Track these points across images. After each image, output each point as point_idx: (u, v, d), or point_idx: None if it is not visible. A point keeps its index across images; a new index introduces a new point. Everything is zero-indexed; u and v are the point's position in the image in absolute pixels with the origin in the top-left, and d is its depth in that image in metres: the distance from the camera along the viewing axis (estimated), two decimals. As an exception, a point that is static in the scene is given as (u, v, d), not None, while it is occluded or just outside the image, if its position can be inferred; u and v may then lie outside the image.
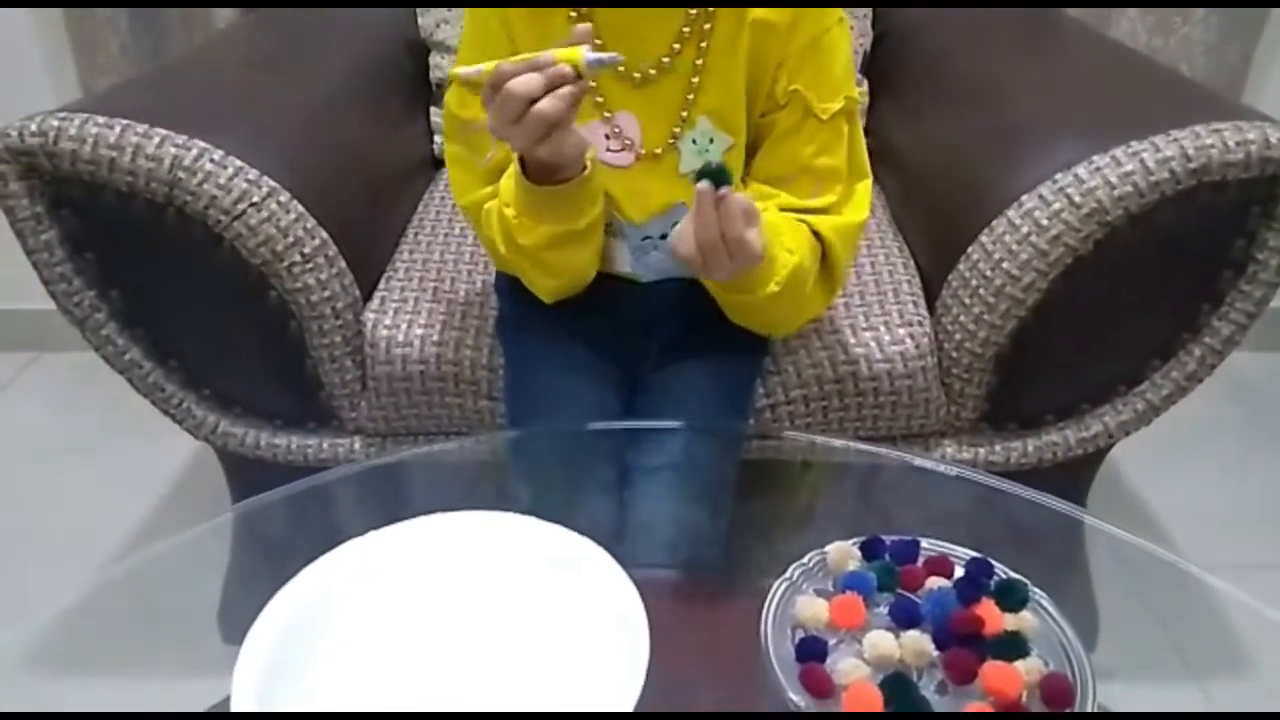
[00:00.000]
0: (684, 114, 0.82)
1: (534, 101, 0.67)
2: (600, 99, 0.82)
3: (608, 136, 0.83)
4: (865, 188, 0.86)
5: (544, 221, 0.79)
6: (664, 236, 0.86)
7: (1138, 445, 1.14)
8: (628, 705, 0.55)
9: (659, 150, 0.83)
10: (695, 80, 0.80)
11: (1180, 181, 0.88)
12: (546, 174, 0.76)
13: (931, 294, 1.02)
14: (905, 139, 1.26)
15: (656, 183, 0.85)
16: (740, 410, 0.95)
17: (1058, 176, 0.92)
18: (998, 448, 1.04)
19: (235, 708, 0.56)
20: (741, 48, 0.80)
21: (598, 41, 0.75)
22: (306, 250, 0.95)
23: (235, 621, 0.63)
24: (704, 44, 0.80)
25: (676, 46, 0.80)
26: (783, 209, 0.83)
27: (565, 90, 0.67)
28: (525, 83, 0.66)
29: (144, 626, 0.97)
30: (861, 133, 0.86)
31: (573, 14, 0.79)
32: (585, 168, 0.76)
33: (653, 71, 0.81)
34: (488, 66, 0.68)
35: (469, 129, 0.83)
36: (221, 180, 0.91)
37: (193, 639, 0.97)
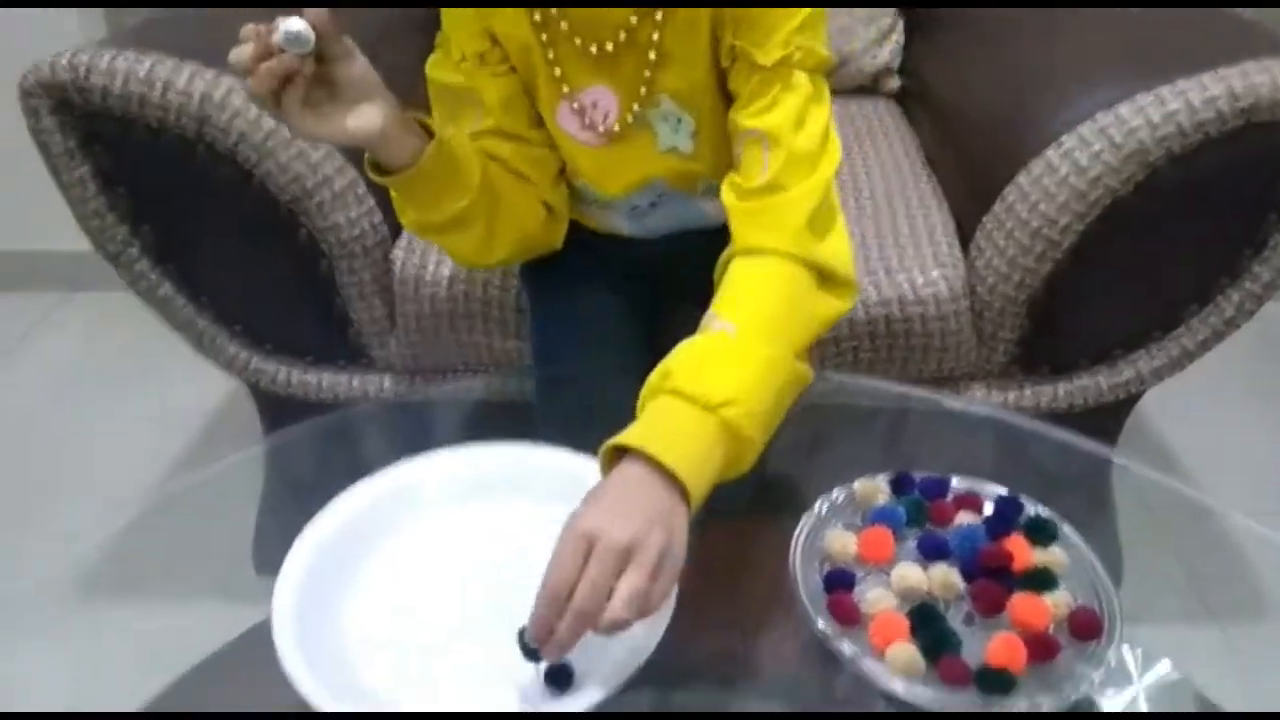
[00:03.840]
0: (642, 91, 0.76)
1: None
2: (558, 73, 0.76)
3: (575, 111, 0.78)
4: (819, 181, 0.69)
5: (408, 207, 0.76)
6: (654, 204, 0.84)
7: (1167, 395, 1.13)
8: (655, 636, 0.56)
9: (618, 128, 0.77)
10: (652, 57, 0.74)
11: (1227, 121, 0.86)
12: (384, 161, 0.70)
13: (965, 237, 1.01)
14: (940, 79, 1.23)
15: (631, 160, 0.80)
16: None
17: (1099, 116, 0.89)
18: (1028, 392, 1.03)
19: (275, 634, 0.58)
20: (702, 30, 0.73)
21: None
22: (336, 187, 0.95)
23: (268, 554, 0.64)
24: (659, 18, 0.73)
25: (634, 20, 0.73)
26: (728, 199, 0.72)
27: (269, 65, 0.59)
28: (235, 53, 0.60)
29: (181, 556, 0.99)
30: (826, 108, 0.71)
31: None
32: (415, 161, 0.69)
33: (610, 47, 0.74)
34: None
35: (455, 97, 0.79)
36: (251, 116, 0.91)
37: (227, 568, 0.99)
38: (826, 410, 0.91)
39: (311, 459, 0.87)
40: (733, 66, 0.73)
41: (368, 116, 0.65)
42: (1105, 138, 0.88)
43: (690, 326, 0.85)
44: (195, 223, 1.00)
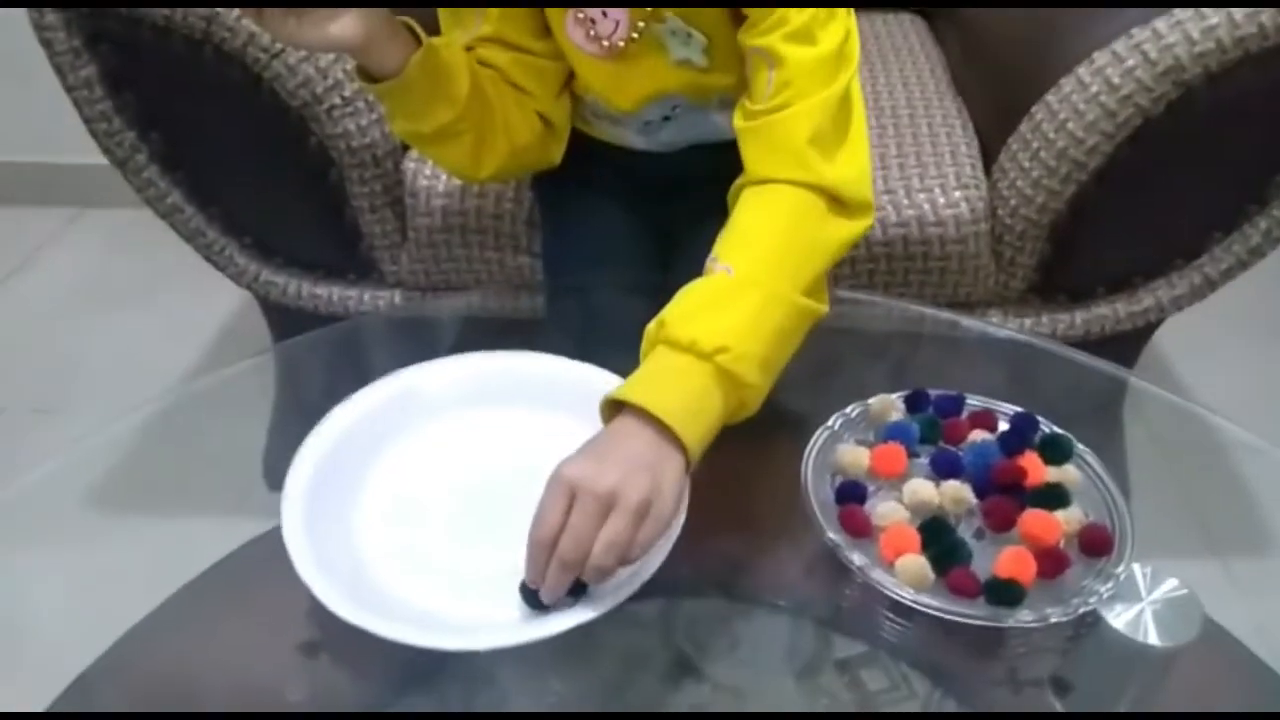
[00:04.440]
0: (649, 8, 0.73)
1: None
2: None
3: (579, 21, 0.75)
4: (822, 99, 0.66)
5: (395, 116, 0.74)
6: (666, 119, 0.82)
7: (1183, 331, 1.11)
8: (665, 546, 0.56)
9: (624, 42, 0.74)
10: None
11: (1269, 36, 0.83)
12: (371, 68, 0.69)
13: (989, 158, 0.98)
14: (969, -5, 1.19)
15: (644, 73, 0.77)
16: None
17: (1134, 31, 0.86)
18: (1044, 319, 1.02)
19: (286, 539, 0.58)
20: None
21: None
22: (346, 93, 0.93)
23: (278, 466, 0.64)
24: None
25: None
26: (738, 121, 0.70)
27: None
28: None
29: (190, 466, 1.00)
30: (841, 24, 0.67)
31: None
32: (402, 69, 0.68)
33: None
34: None
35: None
36: (259, 17, 0.88)
37: (237, 479, 1.00)
38: (842, 331, 0.90)
39: (321, 369, 0.86)
40: None
41: (351, 23, 0.63)
42: (1140, 53, 0.85)
43: (704, 244, 0.83)
44: (204, 129, 0.98)
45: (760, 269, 0.63)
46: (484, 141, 0.77)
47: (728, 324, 0.59)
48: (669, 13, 0.73)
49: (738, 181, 0.69)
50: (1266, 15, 0.82)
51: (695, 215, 0.90)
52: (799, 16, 0.66)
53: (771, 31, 0.66)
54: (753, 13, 0.69)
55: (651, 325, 0.61)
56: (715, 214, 0.90)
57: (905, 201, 0.95)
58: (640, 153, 0.87)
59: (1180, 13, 0.85)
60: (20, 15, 0.91)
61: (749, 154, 0.68)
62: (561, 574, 0.52)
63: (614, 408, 0.58)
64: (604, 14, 0.74)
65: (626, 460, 0.54)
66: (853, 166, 0.68)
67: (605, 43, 0.75)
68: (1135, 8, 0.88)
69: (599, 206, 0.90)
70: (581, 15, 0.74)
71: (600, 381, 0.65)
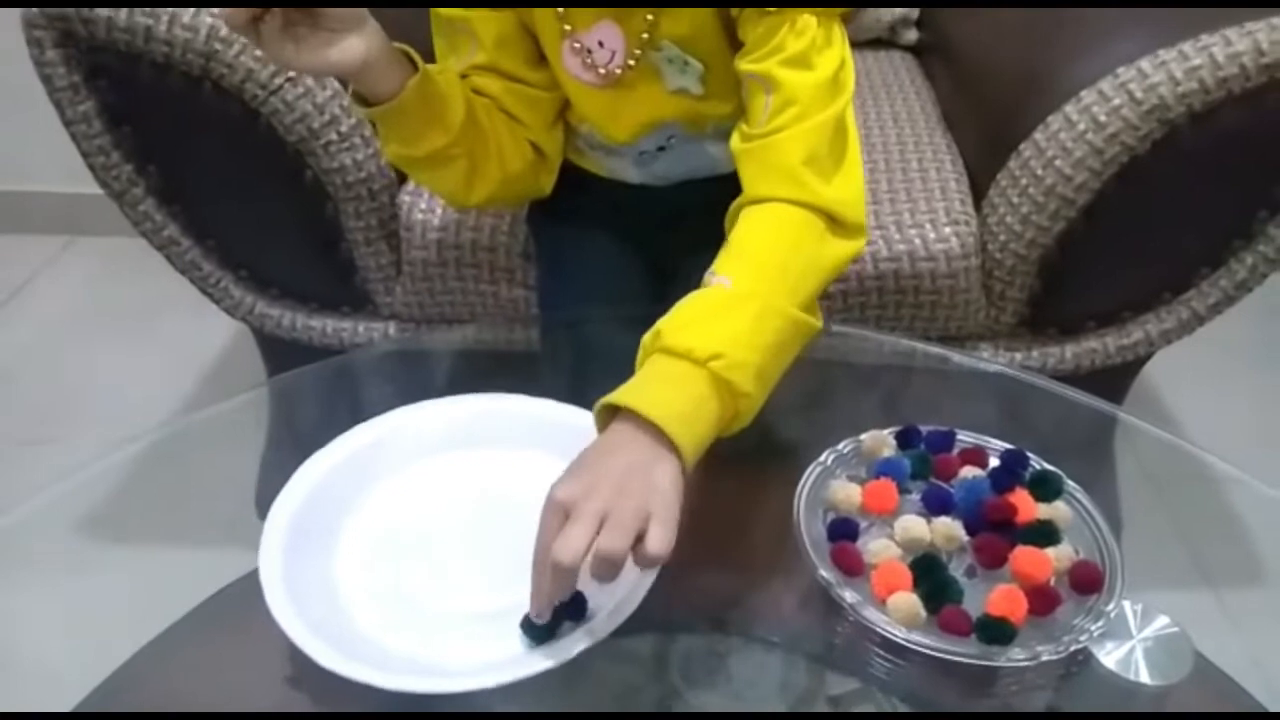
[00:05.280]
0: (645, 35, 0.74)
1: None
2: (562, 12, 0.74)
3: (575, 50, 0.76)
4: (819, 121, 0.67)
5: (389, 140, 0.75)
6: (661, 149, 0.82)
7: (1172, 365, 1.12)
8: (643, 588, 0.56)
9: (620, 70, 0.75)
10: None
11: (1250, 78, 0.84)
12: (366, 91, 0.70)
13: (979, 192, 1.00)
14: (959, 32, 1.21)
15: (639, 102, 0.78)
16: None
17: (1120, 70, 0.88)
18: (1035, 353, 1.02)
19: (262, 578, 0.58)
20: None
21: None
22: (343, 129, 0.93)
23: (271, 498, 0.64)
24: None
25: None
26: (734, 143, 0.70)
27: None
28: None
29: (183, 498, 1.00)
30: (837, 52, 0.69)
31: None
32: (398, 94, 0.69)
33: None
34: None
35: (451, 28, 0.77)
36: (258, 53, 0.89)
37: (229, 511, 1.00)
38: (834, 365, 0.90)
39: (315, 403, 0.87)
40: (741, 14, 0.71)
41: (351, 48, 0.63)
42: (1125, 93, 0.87)
43: (699, 275, 0.83)
44: (202, 163, 0.99)
45: (759, 282, 0.63)
46: (476, 168, 0.78)
47: (724, 333, 0.59)
48: (666, 40, 0.74)
49: (736, 202, 0.70)
50: (1248, 56, 0.84)
51: (690, 248, 0.91)
52: (796, 43, 0.67)
53: (769, 58, 0.68)
54: (750, 39, 0.70)
55: (648, 335, 0.62)
56: (710, 246, 0.90)
57: (896, 236, 0.96)
58: (635, 187, 0.87)
59: (1164, 53, 0.87)
60: (15, 45, 0.92)
61: (746, 174, 0.69)
62: (555, 580, 0.52)
63: (607, 414, 0.58)
64: (600, 44, 0.75)
65: (618, 473, 0.54)
66: (848, 189, 0.69)
67: (602, 70, 0.76)
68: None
69: (593, 240, 0.90)
70: (578, 44, 0.75)
71: (587, 423, 0.66)
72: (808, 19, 0.68)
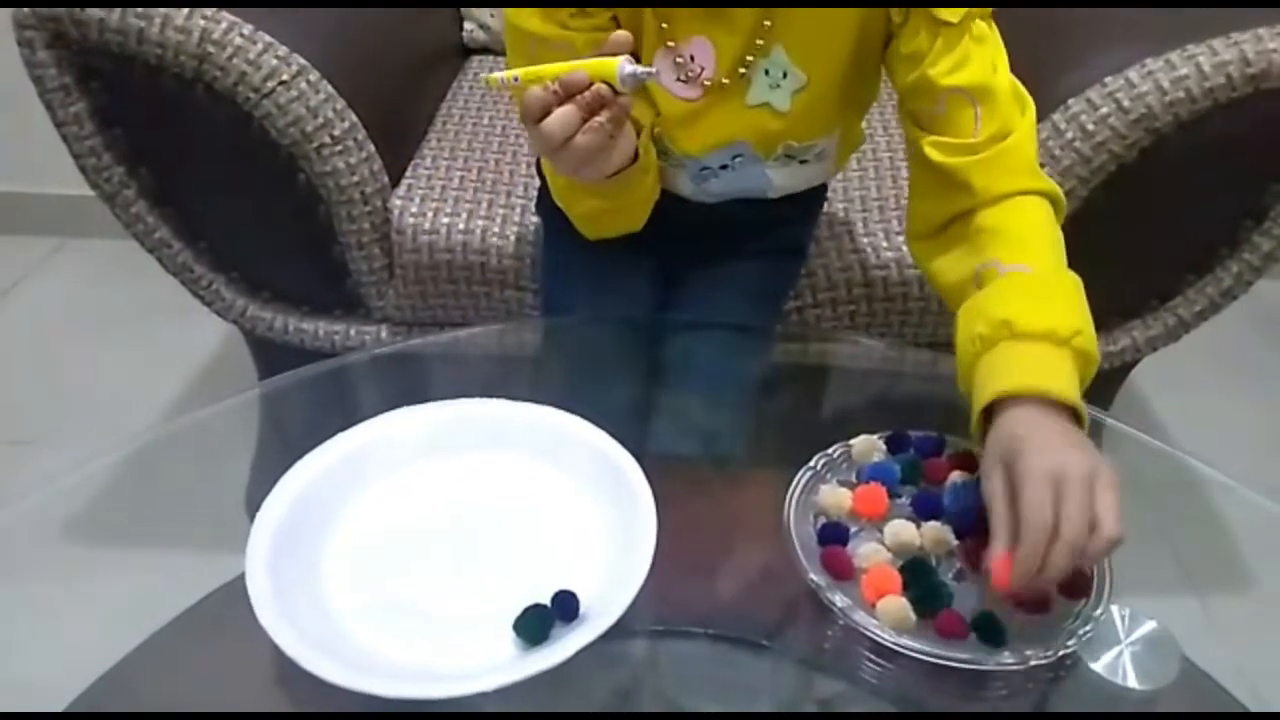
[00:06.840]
0: (759, 41, 0.74)
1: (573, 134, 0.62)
2: (665, 25, 0.75)
3: (677, 65, 0.76)
4: (1032, 117, 0.73)
5: (592, 197, 0.77)
6: (724, 167, 0.82)
7: (1158, 373, 1.12)
8: (633, 587, 0.56)
9: (727, 80, 0.76)
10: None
11: (1236, 88, 0.85)
12: None
13: (967, 200, 1.00)
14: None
15: (719, 117, 0.79)
16: (774, 311, 0.94)
17: (1107, 80, 0.89)
18: (1024, 359, 1.03)
19: (249, 583, 0.57)
20: None
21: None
22: (336, 132, 0.94)
23: (262, 502, 0.64)
24: None
25: None
26: (949, 158, 0.72)
27: (603, 118, 0.61)
28: (561, 121, 0.61)
29: (173, 501, 0.99)
30: (1001, 44, 0.73)
31: None
32: (635, 158, 0.72)
33: None
34: (523, 74, 0.63)
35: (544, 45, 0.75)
36: (251, 56, 0.89)
37: (220, 514, 1.00)
38: (824, 371, 0.91)
39: (306, 407, 0.86)
40: (904, 25, 0.72)
41: (623, 153, 0.69)
42: (1113, 102, 0.88)
43: (705, 283, 0.82)
44: (194, 165, 0.99)
45: (1052, 260, 0.68)
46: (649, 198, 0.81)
47: (1066, 310, 0.64)
48: (780, 45, 0.75)
49: (971, 203, 0.72)
50: (1234, 67, 0.85)
51: (704, 259, 0.91)
52: (982, 49, 0.71)
53: (963, 69, 0.70)
54: (929, 51, 0.71)
55: (984, 327, 0.63)
56: (719, 256, 0.90)
57: (885, 244, 0.96)
58: (675, 197, 0.86)
59: (1152, 63, 0.88)
60: (5, 46, 0.92)
61: (982, 180, 0.71)
62: (1068, 558, 0.54)
63: (987, 407, 0.60)
64: (692, 57, 0.76)
65: (1080, 440, 0.58)
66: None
67: (706, 83, 0.77)
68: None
69: (611, 245, 0.89)
70: (680, 59, 0.76)
71: (575, 428, 0.66)
72: (980, 24, 0.71)
